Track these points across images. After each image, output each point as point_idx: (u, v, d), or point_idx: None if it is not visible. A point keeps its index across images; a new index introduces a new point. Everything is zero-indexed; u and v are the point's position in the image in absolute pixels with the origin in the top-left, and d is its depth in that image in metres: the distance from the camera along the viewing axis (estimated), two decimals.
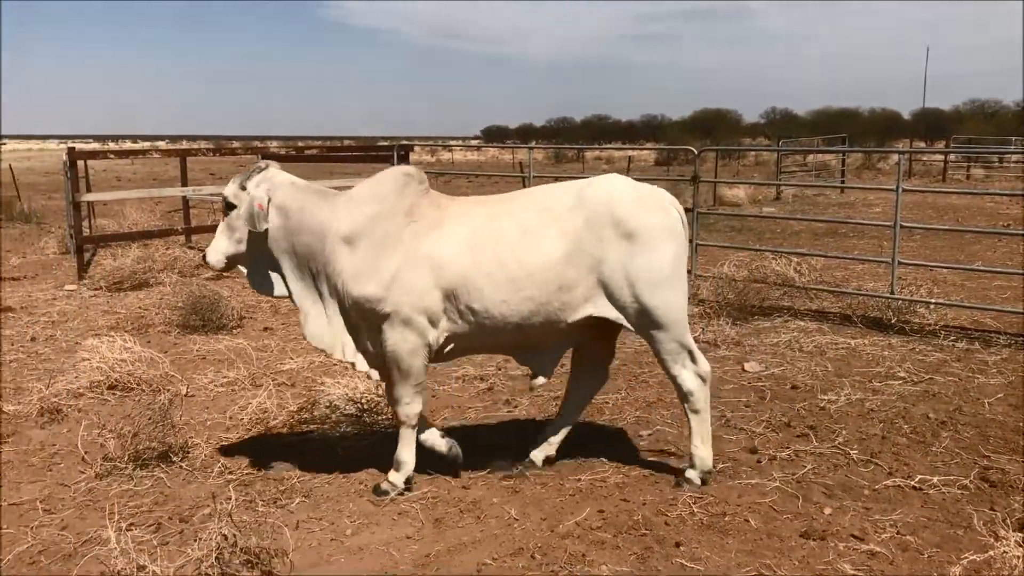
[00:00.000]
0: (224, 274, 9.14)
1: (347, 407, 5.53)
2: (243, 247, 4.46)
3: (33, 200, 20.68)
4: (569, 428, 4.90)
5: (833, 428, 5.43)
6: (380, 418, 5.46)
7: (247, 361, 6.93)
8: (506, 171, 29.53)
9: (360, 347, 4.54)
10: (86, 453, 5.03)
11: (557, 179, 7.23)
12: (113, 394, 6.13)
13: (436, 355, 4.53)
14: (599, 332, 4.68)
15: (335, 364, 6.62)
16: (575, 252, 4.35)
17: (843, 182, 22.21)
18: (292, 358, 7.19)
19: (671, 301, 4.41)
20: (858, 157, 32.07)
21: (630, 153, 35.44)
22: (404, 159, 12.60)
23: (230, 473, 4.76)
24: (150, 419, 4.99)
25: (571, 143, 77.17)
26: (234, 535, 3.76)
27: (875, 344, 7.49)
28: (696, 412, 4.55)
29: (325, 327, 4.53)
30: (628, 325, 4.46)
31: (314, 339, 4.56)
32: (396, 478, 4.55)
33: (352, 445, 5.14)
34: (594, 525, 4.14)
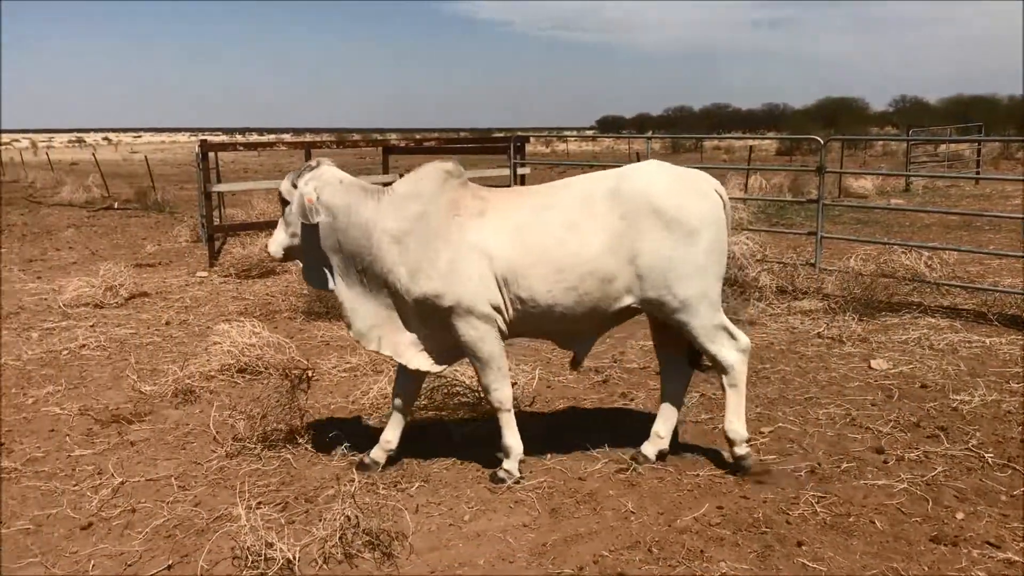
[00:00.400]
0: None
1: (465, 394, 5.59)
2: (296, 241, 4.55)
3: (166, 190, 21.73)
4: (674, 420, 4.86)
5: (966, 430, 5.18)
6: None
7: None
8: (622, 161, 29.27)
9: (426, 342, 4.57)
10: (217, 433, 5.25)
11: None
12: (243, 377, 6.38)
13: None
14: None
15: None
16: (614, 243, 4.36)
17: (978, 173, 21.14)
18: None
19: (706, 287, 4.42)
20: (995, 147, 30.45)
21: (751, 142, 34.60)
22: (520, 150, 12.65)
23: (352, 455, 4.87)
24: (278, 402, 5.17)
25: (689, 132, 75.86)
26: (357, 517, 3.87)
27: (1013, 343, 7.11)
28: (734, 386, 4.56)
29: (368, 323, 4.56)
30: (663, 314, 4.47)
31: (358, 335, 4.60)
32: (509, 465, 4.59)
33: (470, 432, 5.19)
34: (713, 521, 4.08)
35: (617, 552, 3.83)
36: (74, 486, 4.66)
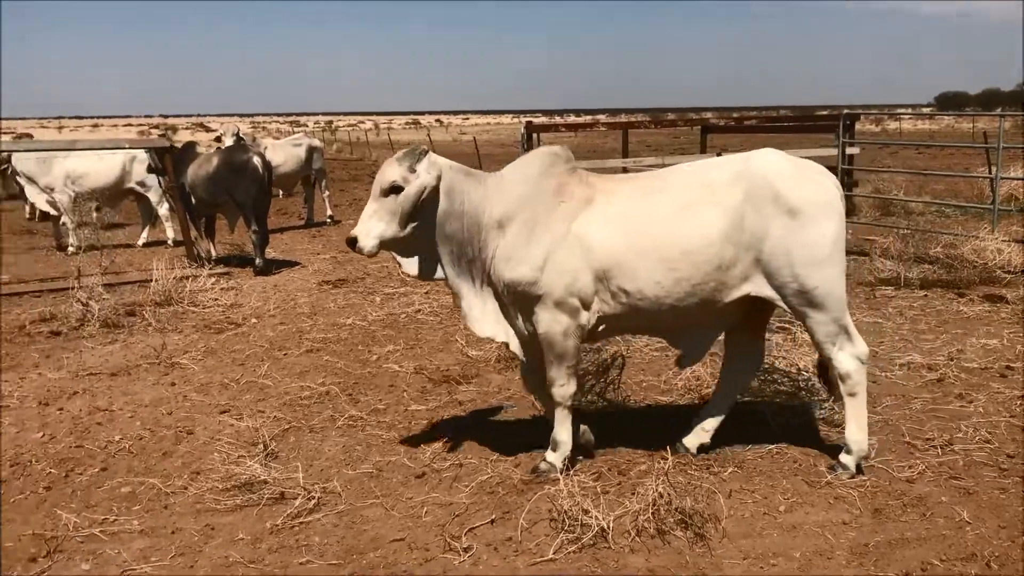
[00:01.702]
0: None
1: (783, 381, 5.42)
2: (403, 232, 4.25)
3: (492, 169, 22.95)
4: (724, 415, 4.65)
5: None
6: (814, 398, 5.28)
7: None
8: (964, 141, 26.71)
9: (513, 329, 4.49)
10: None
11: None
12: None
13: (588, 336, 4.41)
14: (752, 311, 4.49)
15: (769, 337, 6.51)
16: (734, 230, 4.18)
17: None
18: None
19: (832, 280, 4.22)
20: None
21: None
22: (849, 129, 11.96)
23: (663, 434, 4.91)
24: (594, 373, 5.32)
25: None
26: (669, 494, 3.90)
27: None
28: (853, 395, 4.35)
29: (484, 312, 4.47)
30: (784, 305, 4.30)
31: (475, 324, 4.49)
32: (553, 458, 4.50)
33: (787, 422, 5.03)
34: None
35: (949, 562, 3.55)
36: (409, 437, 5.12)
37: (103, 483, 4.64)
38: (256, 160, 10.71)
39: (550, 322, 4.28)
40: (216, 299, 9.04)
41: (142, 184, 13.09)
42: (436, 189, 4.23)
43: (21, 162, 12.76)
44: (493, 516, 4.05)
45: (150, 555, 3.84)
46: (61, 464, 4.88)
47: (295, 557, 3.78)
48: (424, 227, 4.29)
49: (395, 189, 4.18)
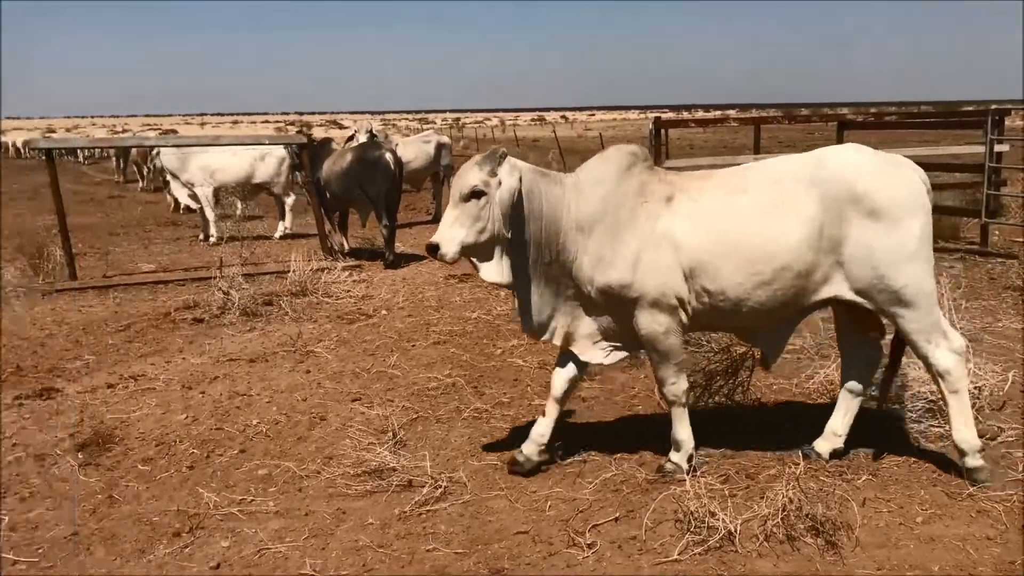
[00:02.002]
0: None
1: (922, 389, 5.19)
2: (484, 237, 4.14)
3: None
4: (851, 418, 4.47)
5: None
6: None
7: (814, 331, 6.85)
8: None
9: (607, 334, 4.42)
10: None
11: None
12: (686, 349, 6.51)
13: None
14: (853, 308, 4.29)
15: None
16: (813, 233, 4.06)
17: None
18: None
19: (920, 278, 4.08)
20: None
21: None
22: (998, 125, 11.34)
23: (793, 438, 4.78)
24: (722, 374, 5.23)
25: None
26: (800, 499, 3.80)
27: None
28: (955, 392, 4.17)
29: (546, 314, 4.40)
30: (871, 307, 4.16)
31: (537, 328, 4.42)
32: (678, 458, 4.42)
33: (926, 430, 4.82)
34: None
35: None
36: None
37: (241, 465, 4.85)
38: (388, 156, 10.98)
39: (650, 322, 4.23)
40: (348, 291, 9.32)
41: (269, 179, 13.63)
42: (518, 192, 4.19)
43: (166, 157, 13.50)
44: (617, 514, 4.03)
45: (285, 535, 4.00)
46: (203, 445, 5.13)
47: (422, 544, 3.86)
48: (509, 232, 4.21)
49: (476, 194, 4.10)
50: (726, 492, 4.11)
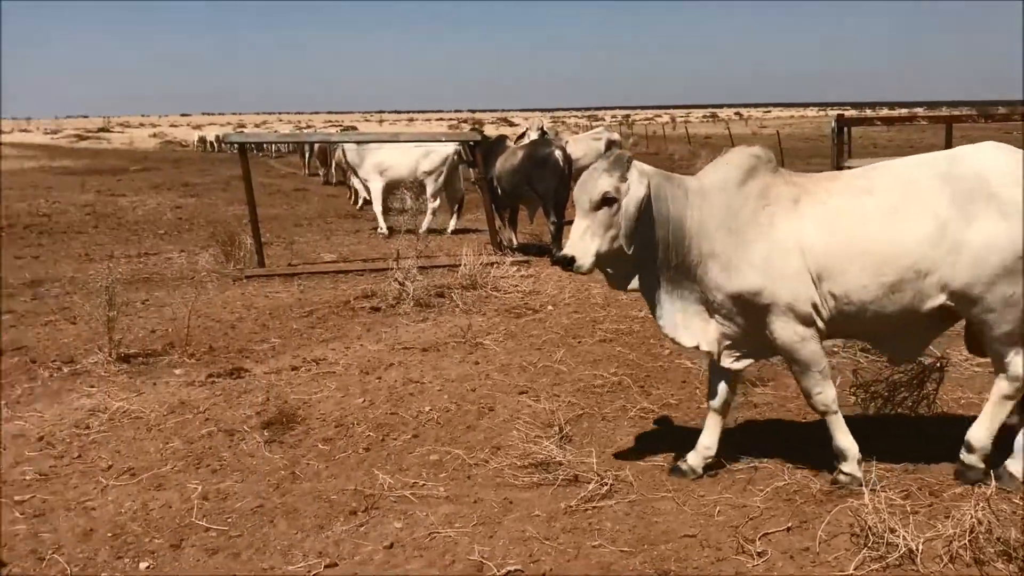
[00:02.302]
0: None
1: None
2: (616, 244, 4.05)
3: (794, 165, 22.11)
4: None
5: None
6: None
7: None
8: None
9: (734, 339, 4.30)
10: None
11: None
12: (866, 356, 6.25)
13: None
14: None
15: None
16: (938, 232, 3.91)
17: None
18: None
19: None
20: None
21: None
22: None
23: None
24: (907, 384, 5.00)
25: None
26: (990, 521, 3.56)
27: None
28: (1006, 398, 4.10)
29: (686, 321, 4.31)
30: (969, 311, 4.00)
31: (678, 334, 4.34)
32: (848, 468, 4.25)
33: None
34: None
35: None
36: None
37: (414, 449, 5.02)
38: (558, 154, 11.08)
39: (784, 329, 4.11)
40: (516, 286, 9.46)
41: (431, 176, 13.99)
42: (647, 198, 4.10)
43: (348, 153, 14.19)
44: (789, 524, 3.91)
45: (454, 521, 4.11)
46: (378, 428, 5.34)
47: (587, 539, 3.88)
48: (642, 238, 4.13)
49: (607, 201, 4.02)
50: (907, 508, 3.89)
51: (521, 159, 11.26)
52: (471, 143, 12.72)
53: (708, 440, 4.55)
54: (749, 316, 4.19)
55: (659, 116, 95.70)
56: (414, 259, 9.56)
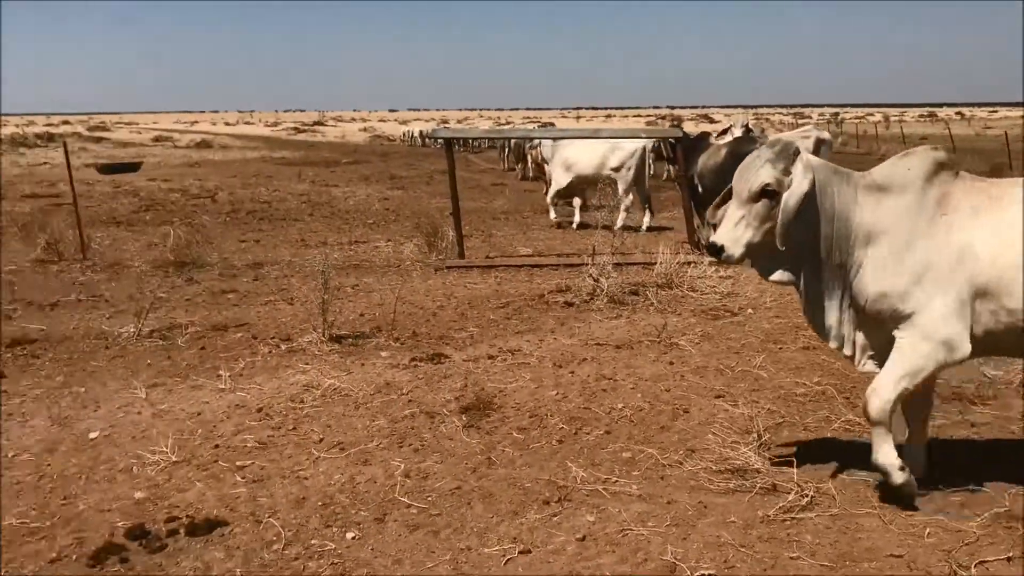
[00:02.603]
0: None
1: None
2: (771, 238, 3.93)
3: None
4: None
5: None
6: None
7: None
8: None
9: (877, 349, 4.10)
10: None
11: None
12: None
13: None
14: None
15: None
16: None
17: None
18: None
19: None
20: None
21: None
22: None
23: None
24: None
25: None
26: None
27: None
28: None
29: (839, 321, 4.14)
30: None
31: (826, 333, 4.18)
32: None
33: None
34: None
35: None
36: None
37: (607, 445, 5.02)
38: None
39: (916, 352, 3.91)
40: (714, 287, 9.27)
41: (614, 171, 13.90)
42: (810, 193, 3.91)
43: (545, 148, 14.55)
44: (1010, 553, 3.64)
45: (647, 519, 4.08)
46: (571, 422, 5.38)
47: (785, 551, 3.75)
48: (801, 230, 3.98)
49: (766, 193, 3.91)
50: None
51: (724, 157, 11.00)
52: (672, 140, 12.57)
53: (911, 456, 4.30)
54: (886, 323, 4.01)
55: (871, 114, 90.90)
56: (609, 255, 9.55)
